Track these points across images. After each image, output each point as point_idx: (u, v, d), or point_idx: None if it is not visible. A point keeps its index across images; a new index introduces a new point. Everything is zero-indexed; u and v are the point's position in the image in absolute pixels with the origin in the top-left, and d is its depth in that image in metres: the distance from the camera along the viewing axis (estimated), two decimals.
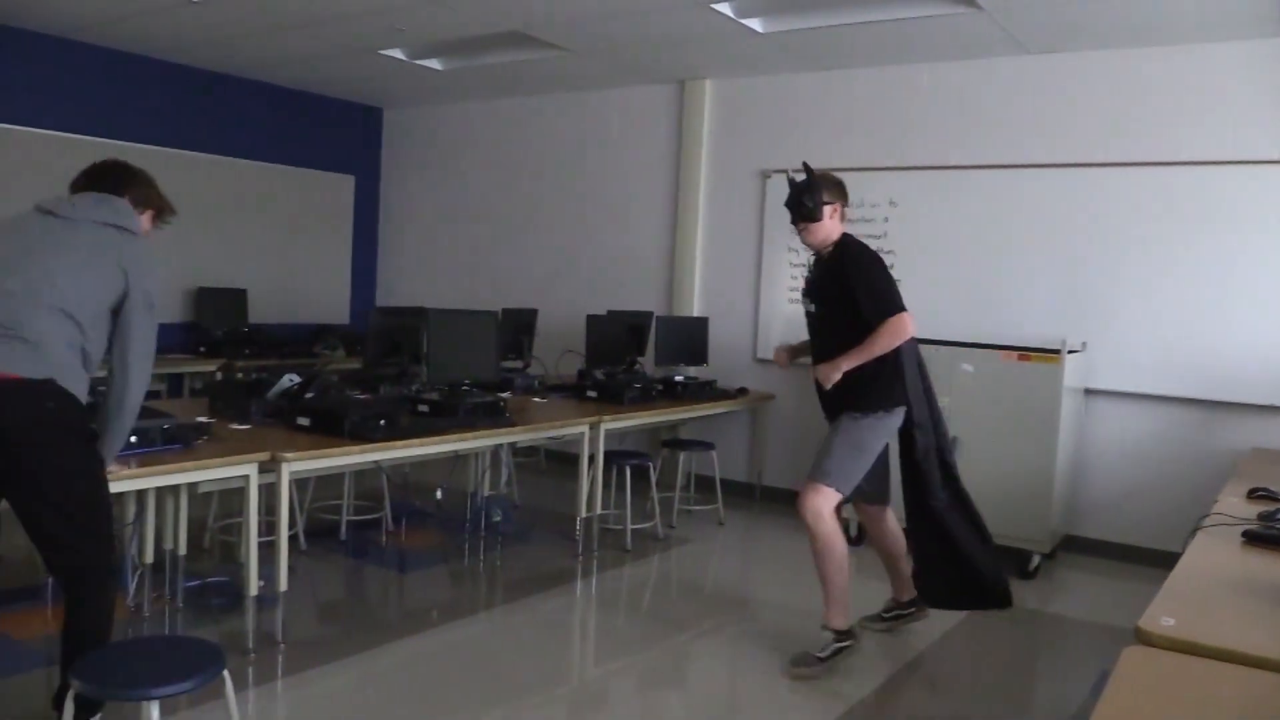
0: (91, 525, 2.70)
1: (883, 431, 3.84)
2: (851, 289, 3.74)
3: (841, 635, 3.85)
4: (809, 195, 3.80)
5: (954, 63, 6.11)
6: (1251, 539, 2.63)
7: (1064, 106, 5.79)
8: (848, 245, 3.87)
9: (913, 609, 4.26)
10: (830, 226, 3.85)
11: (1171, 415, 5.54)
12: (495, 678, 3.74)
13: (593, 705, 3.67)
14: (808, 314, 4.03)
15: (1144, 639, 1.82)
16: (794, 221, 3.89)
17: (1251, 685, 1.63)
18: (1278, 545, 2.56)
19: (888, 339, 3.68)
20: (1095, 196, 5.66)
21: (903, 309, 3.70)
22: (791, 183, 3.90)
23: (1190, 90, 5.44)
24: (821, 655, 3.79)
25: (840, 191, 3.90)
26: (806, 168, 3.86)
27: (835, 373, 3.76)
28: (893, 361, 3.77)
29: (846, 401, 3.83)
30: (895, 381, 3.80)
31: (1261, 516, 2.82)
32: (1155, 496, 5.52)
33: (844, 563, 3.85)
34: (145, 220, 2.98)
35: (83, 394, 2.70)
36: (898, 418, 3.84)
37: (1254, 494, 3.31)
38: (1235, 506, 3.06)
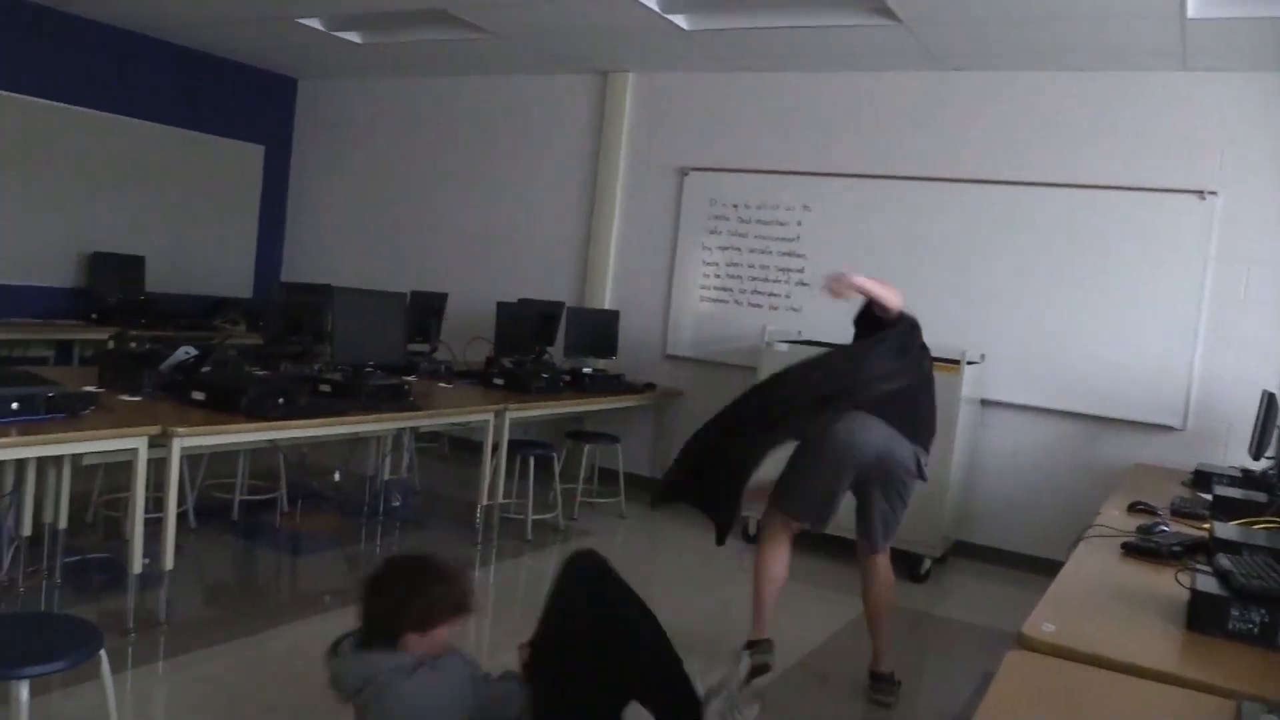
0: None
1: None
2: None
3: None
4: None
5: (871, 73, 6.22)
6: (1129, 550, 2.74)
7: (975, 123, 5.94)
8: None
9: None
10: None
11: (1061, 428, 5.73)
12: None
13: None
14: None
15: (1026, 644, 1.89)
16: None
17: (1123, 690, 1.70)
18: (1154, 557, 2.67)
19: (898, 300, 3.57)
20: (1000, 213, 5.82)
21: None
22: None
23: (1095, 116, 5.63)
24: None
25: None
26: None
27: (848, 286, 3.57)
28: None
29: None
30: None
31: (1140, 529, 2.93)
32: (1043, 506, 5.70)
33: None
34: None
35: None
36: None
37: (1134, 508, 3.44)
38: (1116, 519, 3.18)
